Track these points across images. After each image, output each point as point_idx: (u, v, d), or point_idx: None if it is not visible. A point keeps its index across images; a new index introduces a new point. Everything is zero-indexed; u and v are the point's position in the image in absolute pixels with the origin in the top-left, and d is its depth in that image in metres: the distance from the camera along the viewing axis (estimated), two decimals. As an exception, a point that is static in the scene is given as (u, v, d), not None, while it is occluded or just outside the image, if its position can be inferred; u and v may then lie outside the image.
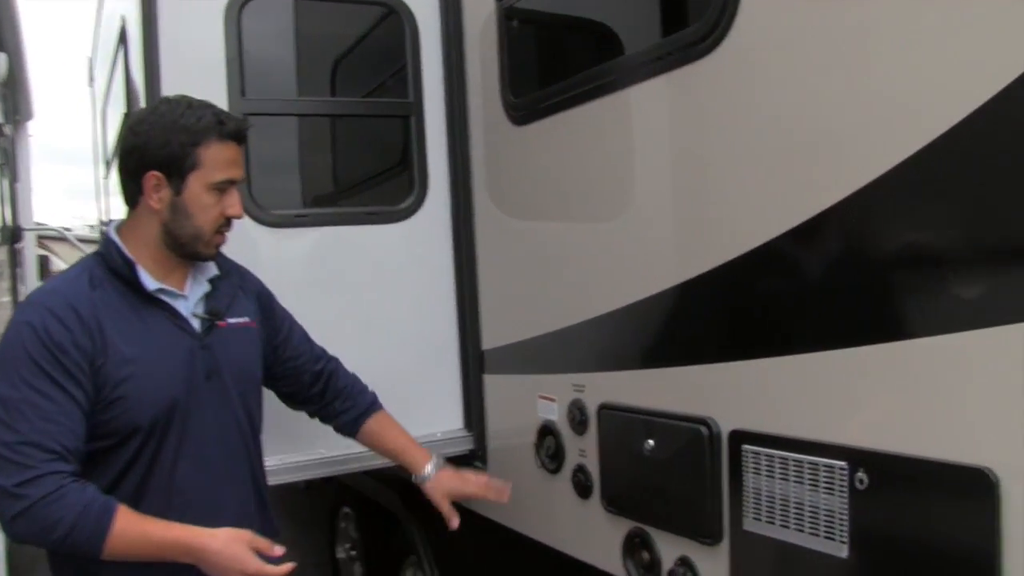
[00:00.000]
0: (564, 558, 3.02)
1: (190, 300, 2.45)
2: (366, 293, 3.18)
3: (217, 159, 2.34)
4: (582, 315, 2.83)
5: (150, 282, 2.35)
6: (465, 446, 3.54)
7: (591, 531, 2.86)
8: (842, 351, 1.97)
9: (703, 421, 2.34)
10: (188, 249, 2.40)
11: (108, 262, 2.36)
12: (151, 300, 2.36)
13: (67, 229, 12.72)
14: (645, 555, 2.62)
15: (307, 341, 2.87)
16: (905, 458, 1.83)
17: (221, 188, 2.37)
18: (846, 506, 1.94)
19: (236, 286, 2.62)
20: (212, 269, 2.52)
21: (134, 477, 2.31)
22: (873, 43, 1.88)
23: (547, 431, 3.05)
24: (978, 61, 1.66)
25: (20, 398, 2.14)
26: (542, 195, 3.10)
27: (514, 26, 3.17)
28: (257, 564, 2.22)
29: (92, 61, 7.10)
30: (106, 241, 2.39)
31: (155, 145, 2.30)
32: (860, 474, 1.91)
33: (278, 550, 2.29)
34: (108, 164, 5.82)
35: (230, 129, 2.36)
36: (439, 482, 2.82)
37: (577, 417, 2.86)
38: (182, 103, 2.36)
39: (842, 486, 1.95)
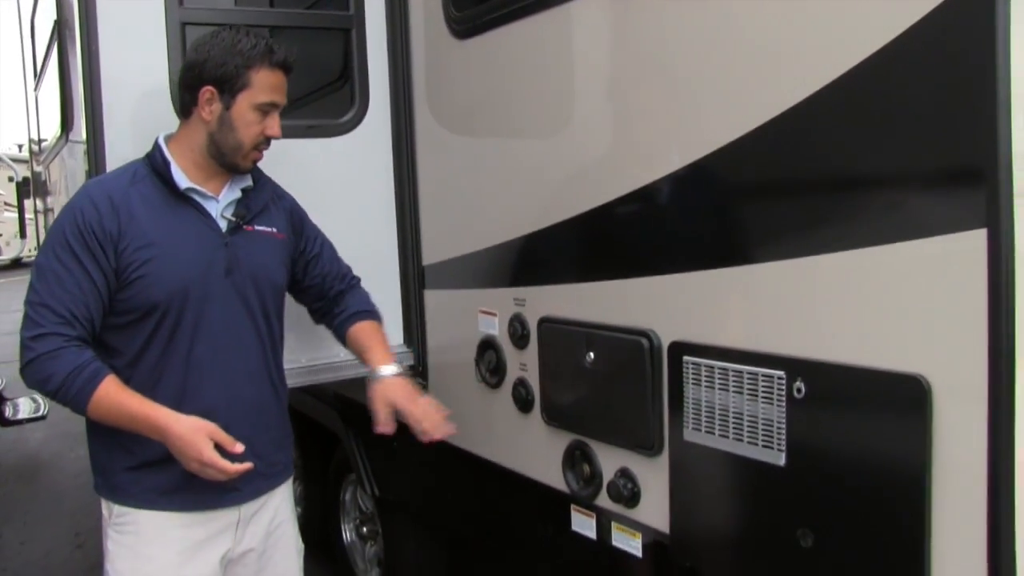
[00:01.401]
0: (505, 472, 3.05)
1: (221, 203, 2.69)
2: (306, 208, 3.13)
3: (264, 83, 2.60)
4: (523, 229, 2.83)
5: (183, 181, 2.62)
6: (406, 362, 3.52)
7: (531, 445, 2.89)
8: (780, 263, 1.99)
9: (644, 333, 2.36)
10: (228, 159, 2.65)
11: (151, 162, 2.65)
12: (183, 198, 2.63)
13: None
14: (585, 468, 2.65)
15: (335, 260, 3.08)
16: (841, 367, 1.86)
17: (264, 110, 2.62)
18: (784, 415, 1.98)
19: (268, 199, 2.83)
20: (247, 181, 2.76)
21: (154, 351, 2.57)
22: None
23: (487, 346, 3.06)
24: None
25: (49, 267, 2.48)
26: (483, 110, 3.08)
27: (457, -63, 3.10)
28: (211, 454, 2.41)
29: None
30: (155, 145, 2.67)
31: (213, 64, 2.57)
32: (798, 383, 1.94)
33: (239, 447, 2.46)
34: (38, 77, 5.65)
35: (279, 58, 2.62)
36: (387, 387, 2.84)
37: (518, 331, 2.87)
38: (241, 31, 2.64)
39: (780, 395, 1.98)
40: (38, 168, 6.51)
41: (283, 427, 2.88)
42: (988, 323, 1.59)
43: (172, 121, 2.99)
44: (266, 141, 2.69)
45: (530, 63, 2.78)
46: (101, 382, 2.43)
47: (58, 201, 4.95)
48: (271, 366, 2.79)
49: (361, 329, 3.00)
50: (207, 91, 2.58)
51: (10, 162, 10.49)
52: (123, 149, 2.95)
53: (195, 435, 2.42)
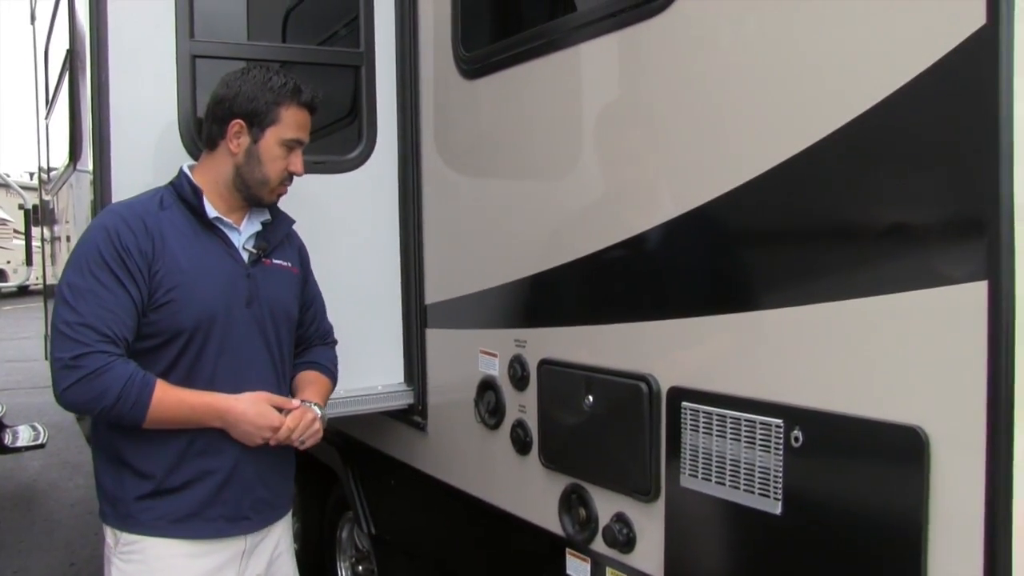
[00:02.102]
0: (502, 514, 3.02)
1: (243, 235, 2.77)
2: (310, 243, 3.14)
3: (292, 120, 2.71)
4: (525, 271, 2.83)
5: (211, 210, 2.70)
6: (406, 400, 3.53)
7: (529, 487, 2.87)
8: (779, 311, 1.98)
9: (643, 378, 2.35)
10: (253, 192, 2.73)
11: (178, 190, 2.71)
12: (209, 227, 2.70)
13: (7, 175, 12.49)
14: (582, 511, 2.63)
15: (322, 316, 3.14)
16: (840, 416, 1.84)
17: (290, 146, 2.72)
18: (781, 463, 1.96)
19: (284, 235, 2.91)
20: (265, 215, 2.84)
21: (176, 377, 2.61)
22: (806, 18, 1.92)
23: (487, 386, 3.05)
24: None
25: (85, 287, 2.49)
26: (489, 150, 3.08)
27: (467, -21, 3.13)
28: (280, 418, 2.66)
29: (34, -1, 6.94)
30: (180, 174, 2.74)
31: (244, 98, 2.66)
32: (795, 432, 1.93)
33: (295, 402, 2.74)
34: (49, 105, 5.70)
35: (306, 98, 2.73)
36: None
37: (518, 372, 2.86)
38: (271, 69, 2.74)
39: (778, 444, 1.97)
40: (47, 196, 6.55)
41: (290, 459, 2.93)
42: (987, 375, 1.57)
43: (180, 153, 3.03)
44: (289, 177, 2.77)
45: (534, 106, 2.80)
46: (156, 386, 2.51)
47: (64, 230, 4.97)
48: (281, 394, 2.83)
49: (308, 374, 2.99)
50: (236, 124, 2.67)
51: (20, 189, 10.54)
52: (130, 179, 2.97)
53: (259, 405, 2.64)
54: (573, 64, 2.62)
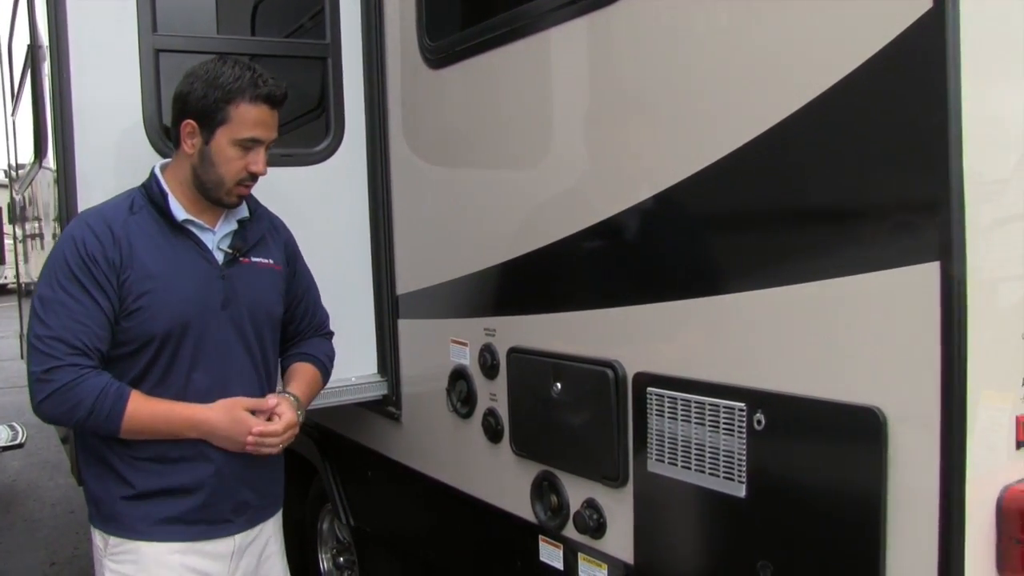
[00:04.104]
0: (476, 502, 3.04)
1: (217, 235, 2.69)
2: (280, 236, 3.14)
3: (245, 118, 2.56)
4: (493, 259, 2.84)
5: (180, 213, 2.62)
6: (379, 391, 3.53)
7: (501, 476, 2.88)
8: (739, 295, 2.00)
9: (609, 364, 2.36)
10: (212, 194, 2.63)
11: (148, 192, 2.64)
12: (180, 230, 2.62)
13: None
14: (553, 498, 2.65)
15: (316, 307, 3.08)
16: (800, 398, 1.87)
17: (246, 145, 2.59)
18: (744, 447, 1.98)
19: (265, 231, 2.84)
20: (243, 212, 2.76)
21: (148, 383, 2.56)
22: (764, 5, 1.93)
23: (459, 375, 3.06)
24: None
25: (55, 299, 2.46)
26: (456, 140, 3.09)
27: (431, -31, 3.13)
28: (257, 423, 2.61)
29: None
30: (150, 174, 2.68)
31: (195, 96, 2.55)
32: (758, 415, 1.95)
33: (271, 400, 2.69)
34: (15, 101, 5.66)
35: (262, 92, 2.57)
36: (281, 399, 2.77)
37: (488, 361, 2.87)
38: (228, 63, 2.59)
39: (741, 427, 1.99)
40: (16, 195, 6.51)
41: (277, 459, 2.85)
42: (941, 354, 1.60)
43: (146, 150, 3.02)
44: (251, 177, 2.65)
45: (499, 94, 2.81)
46: (129, 397, 2.47)
47: (34, 227, 4.94)
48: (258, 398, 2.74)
49: (298, 366, 2.94)
50: (188, 125, 2.58)
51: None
52: (95, 177, 2.96)
53: (234, 412, 2.58)
54: (537, 52, 2.63)
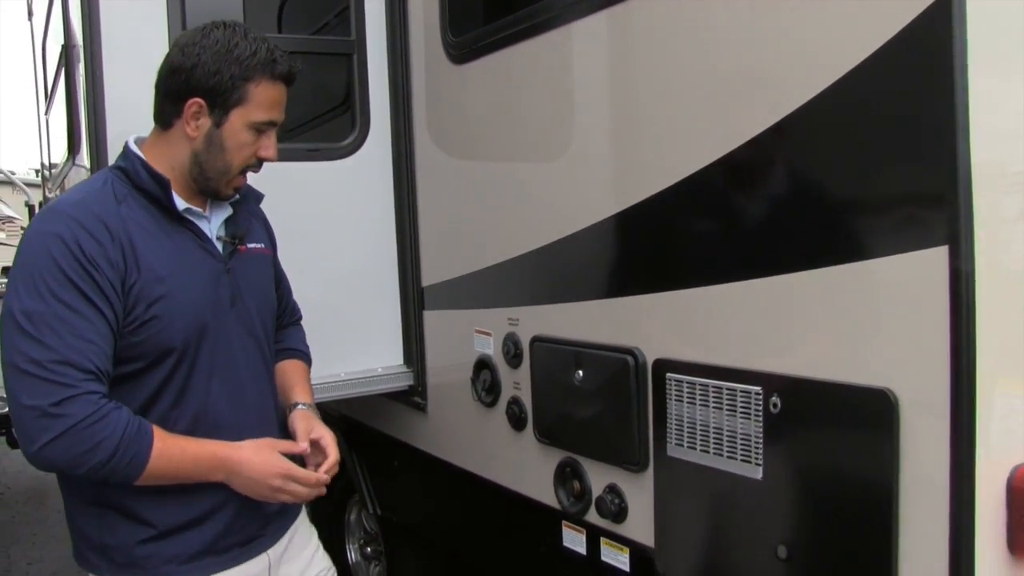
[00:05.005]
0: (500, 490, 3.09)
1: (213, 223, 2.36)
2: (308, 230, 3.19)
3: (264, 98, 2.23)
4: (517, 250, 2.88)
5: (180, 202, 2.26)
6: (405, 382, 3.59)
7: (525, 463, 2.93)
8: (755, 281, 2.04)
9: (630, 351, 2.41)
10: (212, 184, 2.29)
11: (131, 177, 2.23)
12: (178, 220, 2.26)
13: (12, 172, 12.60)
14: (575, 484, 2.69)
15: (289, 292, 2.81)
16: (814, 382, 1.91)
17: (260, 128, 2.26)
18: (761, 430, 2.02)
19: (252, 212, 2.54)
20: (228, 199, 2.42)
21: (167, 399, 2.21)
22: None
23: (483, 365, 3.11)
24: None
25: (50, 312, 2.00)
26: (480, 133, 3.14)
27: (454, -35, 3.18)
28: (289, 465, 2.25)
29: (31, -7, 6.98)
30: (129, 156, 2.26)
31: (204, 72, 2.17)
32: (774, 398, 1.99)
33: (303, 446, 2.36)
34: (49, 100, 5.75)
35: (282, 70, 2.25)
36: (304, 414, 2.54)
37: (511, 350, 2.92)
38: (238, 32, 2.22)
39: (757, 410, 2.03)
40: (49, 193, 6.61)
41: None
42: (950, 336, 1.64)
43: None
44: (258, 163, 2.34)
45: (522, 88, 2.85)
46: (154, 435, 2.09)
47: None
48: (274, 391, 2.56)
49: (292, 366, 2.71)
50: (194, 104, 2.20)
51: (24, 187, 10.63)
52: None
53: (264, 453, 2.24)
54: (557, 46, 2.67)
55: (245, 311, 2.37)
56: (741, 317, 2.09)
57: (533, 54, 2.77)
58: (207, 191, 2.31)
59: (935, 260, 1.65)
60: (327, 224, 3.41)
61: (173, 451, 2.11)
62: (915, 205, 1.71)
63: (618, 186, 2.46)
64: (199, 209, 2.31)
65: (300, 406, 2.56)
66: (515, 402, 2.95)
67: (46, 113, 6.15)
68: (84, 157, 3.22)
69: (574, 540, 2.73)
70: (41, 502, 7.71)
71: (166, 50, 3.00)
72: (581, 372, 2.59)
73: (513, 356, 2.92)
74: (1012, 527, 1.71)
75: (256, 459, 2.21)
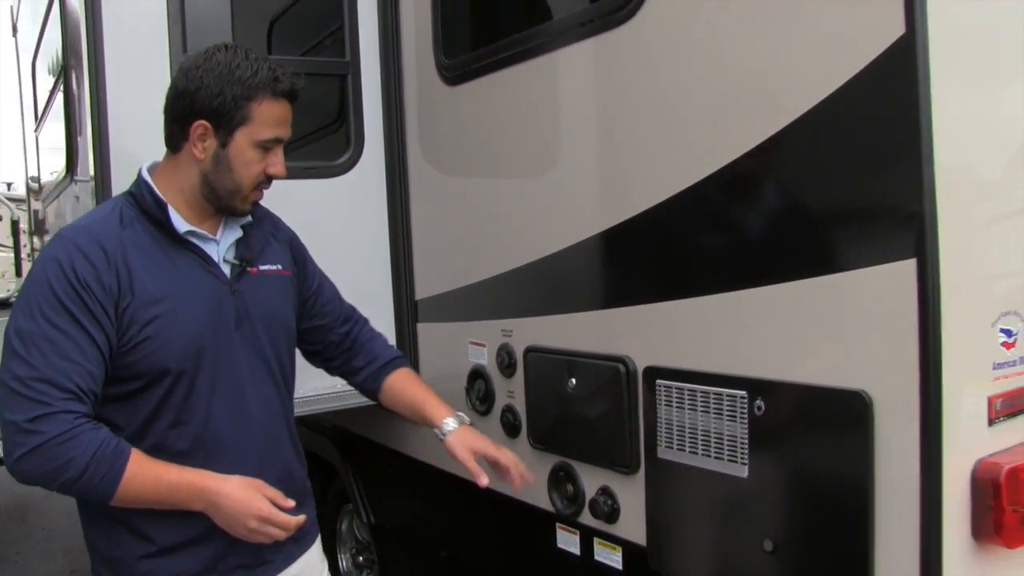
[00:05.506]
0: (495, 495, 3.17)
1: (221, 245, 2.36)
2: (304, 246, 3.27)
3: (267, 116, 2.26)
4: (509, 264, 2.99)
5: (181, 224, 2.27)
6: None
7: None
8: (741, 291, 2.18)
9: (620, 359, 2.54)
10: (224, 202, 2.31)
11: (139, 202, 2.28)
12: (182, 243, 2.28)
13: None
14: (569, 487, 2.81)
15: (336, 299, 2.80)
16: (795, 385, 2.06)
17: (266, 146, 2.28)
18: (746, 431, 2.16)
19: (269, 233, 2.53)
20: (247, 217, 2.43)
21: (165, 419, 2.22)
22: (760, 20, 2.11)
23: (477, 375, 3.21)
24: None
25: (39, 333, 2.06)
26: (472, 152, 3.24)
27: (447, -10, 3.28)
28: (269, 508, 2.17)
29: (15, 11, 7.00)
30: (138, 181, 2.32)
31: (207, 94, 2.21)
32: (758, 401, 2.13)
33: (289, 502, 2.23)
34: (38, 118, 5.81)
35: (284, 87, 2.27)
36: (463, 437, 2.59)
37: (505, 360, 3.03)
38: (239, 53, 2.25)
39: (743, 413, 2.17)
40: (36, 205, 6.63)
41: (306, 486, 2.55)
42: (919, 341, 1.79)
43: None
44: (267, 180, 2.35)
45: (514, 109, 2.96)
46: (129, 457, 2.09)
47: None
48: (290, 422, 2.51)
49: (404, 380, 2.75)
50: (199, 126, 2.23)
51: (6, 201, 10.62)
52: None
53: (248, 491, 2.17)
54: (547, 70, 2.78)
55: (252, 333, 2.36)
56: (727, 326, 2.23)
57: (524, 77, 2.88)
58: (222, 209, 2.34)
59: (904, 272, 1.80)
60: (323, 240, 3.43)
61: (147, 476, 2.10)
62: (886, 222, 1.87)
63: (606, 204, 2.58)
64: (206, 232, 2.33)
65: (453, 426, 2.60)
66: (509, 410, 3.05)
67: (35, 130, 6.20)
68: (86, 170, 3.27)
69: (568, 541, 2.84)
70: (24, 518, 7.57)
71: (168, 69, 3.05)
72: (574, 380, 2.71)
73: (507, 366, 3.03)
74: (976, 516, 1.86)
75: (238, 495, 2.16)
